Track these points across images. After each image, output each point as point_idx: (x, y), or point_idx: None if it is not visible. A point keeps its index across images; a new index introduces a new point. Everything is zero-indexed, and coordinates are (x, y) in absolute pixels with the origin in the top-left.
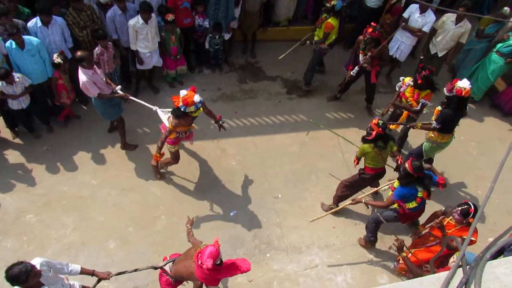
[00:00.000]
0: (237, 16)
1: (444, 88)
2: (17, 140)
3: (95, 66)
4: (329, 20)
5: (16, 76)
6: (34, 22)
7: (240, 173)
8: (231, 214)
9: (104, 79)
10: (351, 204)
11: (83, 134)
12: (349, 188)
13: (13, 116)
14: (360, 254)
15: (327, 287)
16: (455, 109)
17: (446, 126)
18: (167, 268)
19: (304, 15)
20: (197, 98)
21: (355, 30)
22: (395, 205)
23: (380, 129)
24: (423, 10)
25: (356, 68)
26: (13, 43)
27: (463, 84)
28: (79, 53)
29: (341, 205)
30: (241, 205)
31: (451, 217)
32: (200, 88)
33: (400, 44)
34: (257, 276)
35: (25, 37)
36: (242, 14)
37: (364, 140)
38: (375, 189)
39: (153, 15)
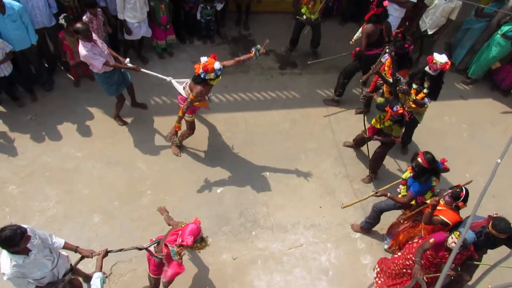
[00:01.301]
0: None
1: (428, 69)
2: (0, 108)
3: (95, 38)
4: None
5: None
6: None
7: (229, 149)
8: (218, 191)
9: (106, 51)
10: (375, 195)
11: (68, 104)
12: (379, 158)
13: None
14: (345, 234)
15: (310, 267)
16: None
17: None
18: (151, 249)
19: None
20: (217, 65)
21: (350, 2)
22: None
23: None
24: None
25: None
26: None
27: (442, 59)
28: (76, 25)
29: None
30: (228, 183)
31: (442, 198)
32: (191, 60)
33: (390, 18)
34: (242, 254)
35: (6, 1)
36: None
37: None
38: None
39: None
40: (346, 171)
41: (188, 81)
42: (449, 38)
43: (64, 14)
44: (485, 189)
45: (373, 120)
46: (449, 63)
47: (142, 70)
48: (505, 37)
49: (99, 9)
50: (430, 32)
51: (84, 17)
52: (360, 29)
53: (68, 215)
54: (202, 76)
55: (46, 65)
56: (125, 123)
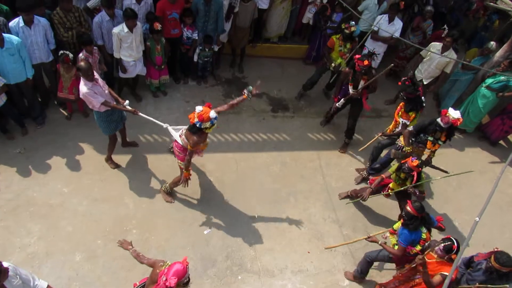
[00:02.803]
0: (227, 30)
1: (440, 120)
2: None
3: (97, 77)
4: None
5: None
6: (17, 22)
7: (218, 190)
8: (205, 232)
9: (107, 91)
10: (366, 239)
11: (59, 138)
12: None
13: None
14: (334, 281)
15: None
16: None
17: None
18: None
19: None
20: (212, 114)
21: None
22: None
23: (420, 169)
24: (391, 19)
25: (342, 100)
26: None
27: (455, 114)
28: (79, 64)
29: (355, 238)
30: (216, 224)
31: (433, 250)
32: (184, 100)
33: None
34: None
35: (5, 35)
36: (233, 28)
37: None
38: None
39: (138, 23)
40: (336, 215)
41: (184, 128)
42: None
43: (63, 51)
44: (465, 245)
45: (392, 184)
46: (461, 119)
47: (140, 114)
48: (489, 89)
49: (95, 47)
50: (425, 82)
51: (80, 54)
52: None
53: (50, 252)
54: (197, 125)
55: (40, 99)
56: (117, 166)
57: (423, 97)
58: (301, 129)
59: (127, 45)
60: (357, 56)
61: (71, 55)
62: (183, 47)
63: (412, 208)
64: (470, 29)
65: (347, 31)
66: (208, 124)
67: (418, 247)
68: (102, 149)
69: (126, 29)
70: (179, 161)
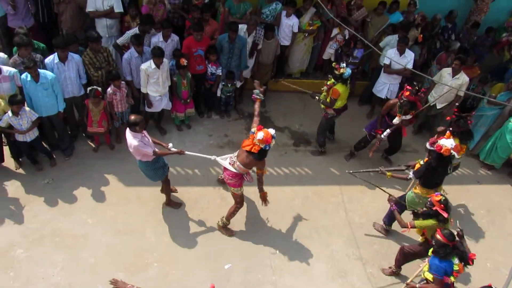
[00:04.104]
0: (251, 66)
1: (427, 142)
2: (20, 171)
3: (143, 130)
4: (336, 86)
5: (24, 109)
6: (52, 58)
7: (239, 224)
8: (226, 267)
9: (150, 140)
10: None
11: (85, 170)
12: (409, 256)
13: (18, 147)
14: None
15: None
16: (436, 164)
17: (427, 180)
18: None
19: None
20: (272, 131)
21: (367, 87)
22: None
23: (442, 205)
24: (401, 52)
25: (388, 130)
26: (29, 75)
27: (445, 142)
28: (132, 118)
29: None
30: (237, 259)
31: None
32: (207, 133)
33: (390, 86)
34: None
35: (41, 71)
36: (256, 65)
37: (424, 215)
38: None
39: (165, 60)
40: (359, 252)
41: (231, 156)
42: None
43: (92, 87)
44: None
45: (421, 238)
46: (447, 149)
47: (186, 153)
48: None
49: (122, 82)
50: (439, 107)
51: (109, 89)
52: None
53: (72, 283)
54: (267, 149)
55: (69, 132)
56: (180, 205)
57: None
58: (323, 164)
59: (154, 81)
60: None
61: (99, 89)
62: (207, 82)
63: (441, 235)
64: (495, 64)
65: (336, 72)
66: (273, 142)
67: (452, 279)
68: (126, 181)
69: (153, 66)
70: (232, 188)
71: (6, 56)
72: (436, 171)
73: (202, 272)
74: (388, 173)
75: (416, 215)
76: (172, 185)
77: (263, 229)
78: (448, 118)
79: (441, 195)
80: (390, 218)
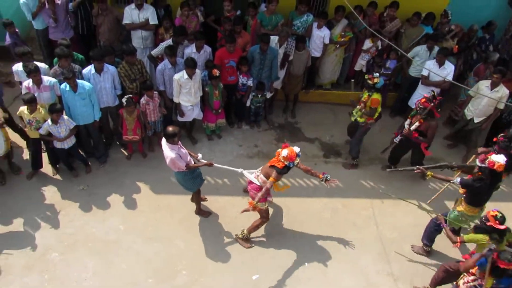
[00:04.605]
0: (281, 78)
1: (477, 159)
2: (57, 177)
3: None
4: (374, 96)
5: (62, 117)
6: (89, 69)
7: (268, 235)
8: (253, 278)
9: (186, 150)
10: None
11: (119, 177)
12: (450, 276)
13: (56, 154)
14: None
15: None
16: (486, 181)
17: (475, 197)
18: None
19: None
20: (297, 149)
21: (398, 98)
22: None
23: (497, 222)
24: (440, 64)
25: (399, 136)
26: (68, 85)
27: (498, 158)
28: (170, 129)
29: None
30: (265, 270)
31: None
32: (237, 143)
33: None
34: None
35: (79, 81)
36: (287, 76)
37: (476, 229)
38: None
39: (197, 71)
40: (391, 268)
41: (255, 171)
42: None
43: (128, 96)
44: None
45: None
46: (501, 165)
47: (215, 164)
48: None
49: (155, 92)
50: (476, 121)
51: (142, 99)
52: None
53: None
54: (291, 166)
55: (104, 140)
56: (209, 214)
57: None
58: (354, 176)
59: (186, 91)
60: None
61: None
62: (238, 93)
63: (500, 262)
64: None
65: (370, 82)
66: (297, 160)
67: None
68: (157, 189)
69: (186, 76)
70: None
71: (47, 66)
72: (485, 188)
73: (230, 281)
74: (428, 173)
75: (457, 232)
76: (202, 194)
77: (291, 241)
78: (494, 139)
79: (498, 211)
80: (430, 238)
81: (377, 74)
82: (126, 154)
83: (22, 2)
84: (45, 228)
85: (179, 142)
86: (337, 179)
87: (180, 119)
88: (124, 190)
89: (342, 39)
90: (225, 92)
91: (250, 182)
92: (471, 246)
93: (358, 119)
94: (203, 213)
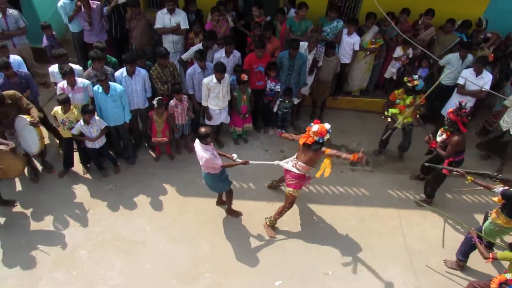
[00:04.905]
0: (309, 84)
1: None
2: (87, 176)
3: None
4: (418, 96)
5: (94, 118)
6: (121, 72)
7: (292, 241)
8: (276, 284)
9: (216, 152)
10: None
11: (146, 178)
12: None
13: (87, 153)
14: None
15: None
16: None
17: None
18: None
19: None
20: (327, 125)
21: (429, 106)
22: None
23: None
24: (478, 72)
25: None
26: (100, 87)
27: None
28: (202, 130)
29: None
30: (288, 275)
31: None
32: (263, 148)
33: None
34: None
35: (111, 83)
36: (315, 82)
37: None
38: None
39: (226, 75)
40: (418, 281)
41: (291, 159)
42: None
43: (159, 98)
44: None
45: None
46: None
47: (251, 162)
48: None
49: (184, 96)
50: None
51: (171, 102)
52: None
53: (129, 287)
54: (320, 141)
55: (133, 141)
56: (240, 214)
57: None
58: (381, 185)
59: (215, 95)
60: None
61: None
62: (265, 98)
63: None
64: None
65: (409, 85)
66: (327, 136)
67: None
68: (183, 191)
69: (215, 80)
70: (291, 189)
71: (81, 68)
72: None
73: (253, 286)
74: (469, 177)
75: (489, 246)
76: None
77: (315, 248)
78: None
79: None
80: (464, 253)
81: (416, 76)
82: (154, 156)
83: (60, 5)
84: (74, 226)
85: (212, 144)
86: (363, 188)
87: (207, 122)
88: (151, 191)
89: (373, 46)
90: (252, 97)
91: (288, 172)
92: (507, 264)
93: (406, 120)
94: (233, 212)
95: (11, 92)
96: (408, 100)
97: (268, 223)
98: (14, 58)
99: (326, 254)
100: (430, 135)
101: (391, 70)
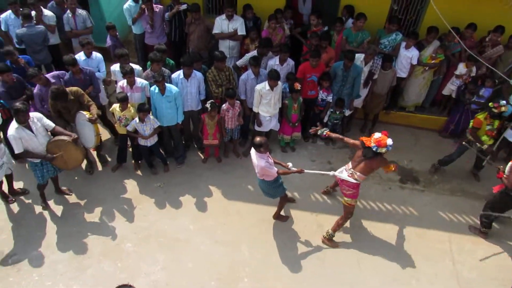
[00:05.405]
0: (363, 96)
1: None
2: (138, 172)
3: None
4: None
5: (148, 117)
6: (178, 74)
7: (333, 254)
8: None
9: (272, 160)
10: None
11: (193, 179)
12: None
13: (139, 150)
14: None
15: None
16: None
17: None
18: None
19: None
20: (389, 141)
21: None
22: None
23: None
24: None
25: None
26: (157, 88)
27: None
28: (257, 139)
29: None
30: None
31: None
32: (310, 158)
33: None
34: None
35: (167, 85)
36: (369, 94)
37: None
38: None
39: (279, 83)
40: None
41: (345, 168)
42: None
43: (212, 101)
44: None
45: None
46: None
47: (306, 171)
48: None
49: (237, 101)
50: None
51: (223, 106)
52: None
53: (169, 284)
54: (374, 149)
55: (183, 142)
56: (287, 218)
57: None
58: (431, 206)
59: (266, 102)
60: None
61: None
62: (316, 108)
63: None
64: None
65: (495, 111)
66: (383, 150)
67: None
68: (228, 194)
69: (267, 87)
70: (349, 199)
71: (140, 68)
72: None
73: None
74: None
75: None
76: (272, 205)
77: (357, 264)
78: None
79: None
80: None
81: (504, 102)
82: (203, 157)
83: (125, 7)
84: (122, 219)
85: (267, 152)
86: (411, 207)
87: (257, 128)
88: (197, 191)
89: (433, 62)
90: (303, 106)
91: (343, 181)
92: None
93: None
94: (281, 217)
95: (74, 88)
96: (496, 124)
97: (327, 237)
98: (96, 55)
99: (367, 271)
100: (501, 166)
101: (451, 88)
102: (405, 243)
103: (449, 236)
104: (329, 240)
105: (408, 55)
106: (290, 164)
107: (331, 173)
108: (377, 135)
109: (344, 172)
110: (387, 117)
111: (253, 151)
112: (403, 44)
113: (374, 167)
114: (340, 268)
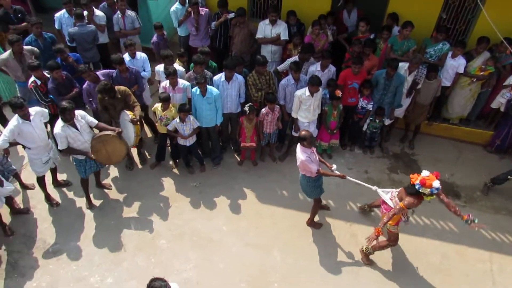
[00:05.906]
0: (405, 106)
1: None
2: (175, 170)
3: (312, 147)
4: None
5: (189, 117)
6: (219, 77)
7: (367, 268)
8: None
9: (317, 157)
10: None
11: (229, 181)
12: None
13: (178, 149)
14: None
15: None
16: None
17: None
18: None
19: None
20: (436, 183)
21: None
22: None
23: None
24: None
25: None
26: (198, 89)
27: None
28: (302, 133)
29: None
30: None
31: None
32: (347, 166)
33: None
34: None
35: (208, 87)
36: (412, 104)
37: None
38: None
39: (320, 89)
40: None
41: (394, 191)
42: None
43: (250, 104)
44: None
45: None
46: None
47: (348, 178)
48: None
49: (277, 106)
50: None
51: (263, 110)
52: None
53: (200, 282)
54: (416, 187)
55: (221, 144)
56: (321, 225)
57: None
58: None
59: (306, 107)
60: None
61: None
62: (356, 115)
63: None
64: None
65: None
66: (427, 191)
67: None
68: (262, 198)
69: (307, 93)
70: (388, 225)
71: (183, 70)
72: None
73: None
74: None
75: None
76: (305, 212)
77: (390, 279)
78: None
79: None
80: None
81: None
82: (239, 160)
83: (172, 10)
84: (158, 216)
85: (313, 148)
86: (451, 222)
87: (294, 134)
88: (231, 193)
89: (481, 73)
90: (343, 113)
91: (384, 203)
92: None
93: None
94: (314, 224)
95: (122, 88)
96: None
97: (364, 251)
98: (141, 56)
99: (405, 286)
100: None
101: (500, 101)
102: (442, 259)
103: (491, 255)
104: (366, 256)
105: (454, 64)
106: (334, 166)
107: (374, 188)
108: (425, 173)
109: (388, 194)
110: (429, 128)
111: (298, 144)
112: (450, 53)
113: (415, 204)
114: (374, 282)
